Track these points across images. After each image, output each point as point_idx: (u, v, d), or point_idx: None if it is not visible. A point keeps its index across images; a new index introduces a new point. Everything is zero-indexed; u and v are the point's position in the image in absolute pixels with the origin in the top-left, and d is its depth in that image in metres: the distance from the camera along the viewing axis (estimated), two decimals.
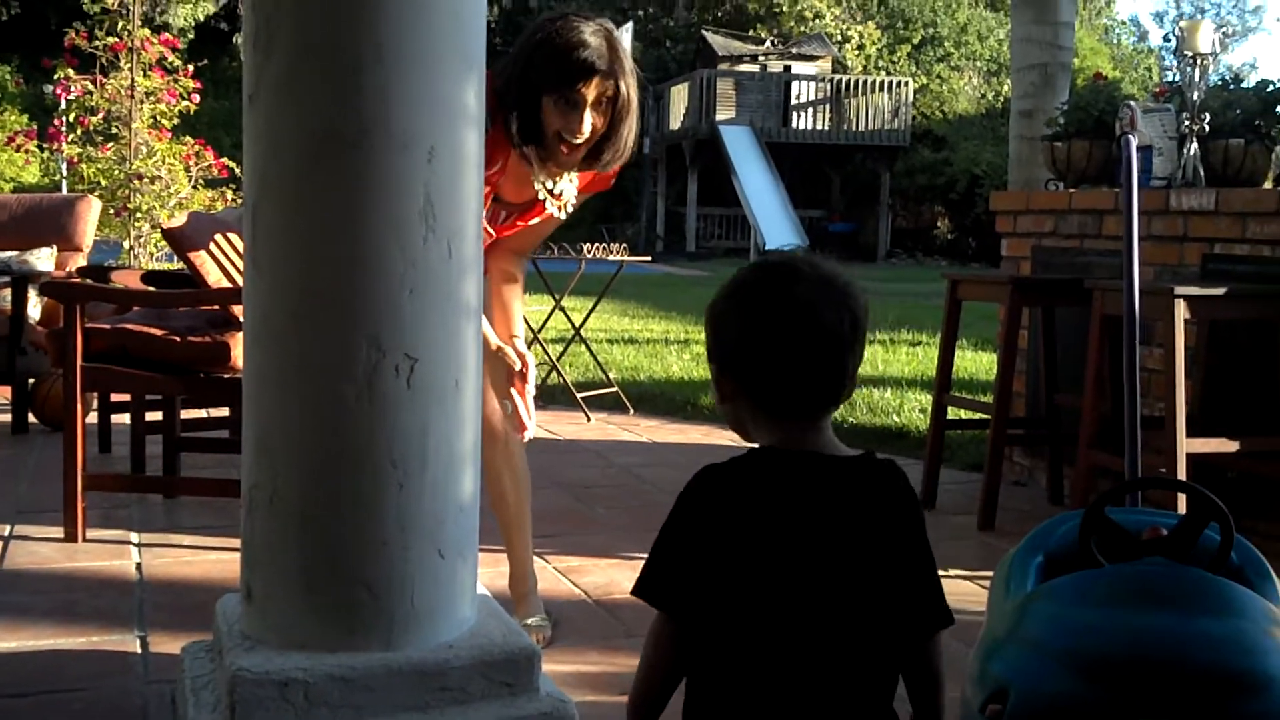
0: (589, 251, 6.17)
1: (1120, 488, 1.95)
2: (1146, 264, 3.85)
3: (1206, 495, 1.79)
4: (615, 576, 3.33)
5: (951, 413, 4.41)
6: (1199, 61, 4.06)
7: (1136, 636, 1.63)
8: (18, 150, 10.11)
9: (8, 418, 5.35)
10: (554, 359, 6.44)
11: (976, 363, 8.08)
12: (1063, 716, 1.61)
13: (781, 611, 1.39)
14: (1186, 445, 3.33)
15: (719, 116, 24.93)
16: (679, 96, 26.36)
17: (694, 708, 1.47)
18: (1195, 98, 4.07)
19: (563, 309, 6.34)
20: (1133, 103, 4.31)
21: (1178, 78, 4.33)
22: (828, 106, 26.05)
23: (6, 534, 3.56)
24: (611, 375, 6.63)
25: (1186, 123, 4.11)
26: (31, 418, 5.26)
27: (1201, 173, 4.11)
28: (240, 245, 3.72)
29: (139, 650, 2.68)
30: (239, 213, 4.99)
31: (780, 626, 1.39)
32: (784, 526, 1.39)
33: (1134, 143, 2.54)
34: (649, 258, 7.55)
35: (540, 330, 6.47)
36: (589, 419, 5.90)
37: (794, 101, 25.95)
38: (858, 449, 1.49)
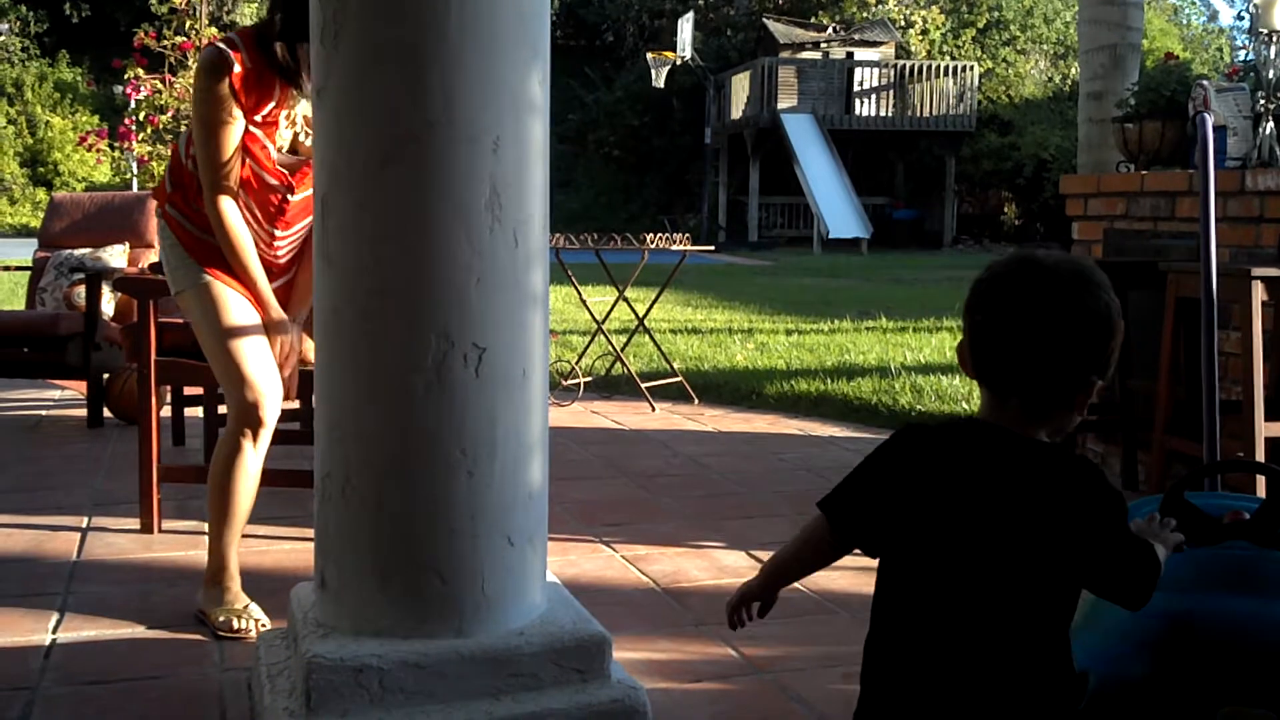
0: (652, 242, 6.17)
1: (1200, 471, 1.92)
2: (1222, 246, 3.77)
3: None
4: (683, 565, 3.32)
5: None
6: (1274, 39, 3.97)
7: (1220, 621, 1.60)
8: (90, 150, 10.29)
9: (83, 412, 5.46)
10: (618, 349, 6.45)
11: None
12: (1143, 701, 1.59)
13: (942, 562, 1.45)
14: (1265, 429, 3.27)
15: (781, 105, 24.79)
16: (740, 85, 26.24)
17: (874, 637, 1.54)
18: (1271, 76, 3.99)
19: (626, 299, 6.34)
20: (1206, 82, 4.23)
21: (1251, 56, 4.23)
22: (891, 93, 25.81)
23: (84, 525, 3.63)
24: (676, 365, 6.63)
25: (1262, 102, 4.02)
26: (106, 412, 5.36)
27: (1278, 152, 4.02)
28: None
29: (214, 639, 2.72)
30: None
31: (935, 583, 1.45)
32: (957, 485, 1.46)
33: (1209, 121, 2.49)
34: (711, 248, 7.52)
35: (604, 321, 6.48)
36: (654, 409, 5.90)
37: (857, 88, 25.74)
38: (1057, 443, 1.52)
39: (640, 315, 6.48)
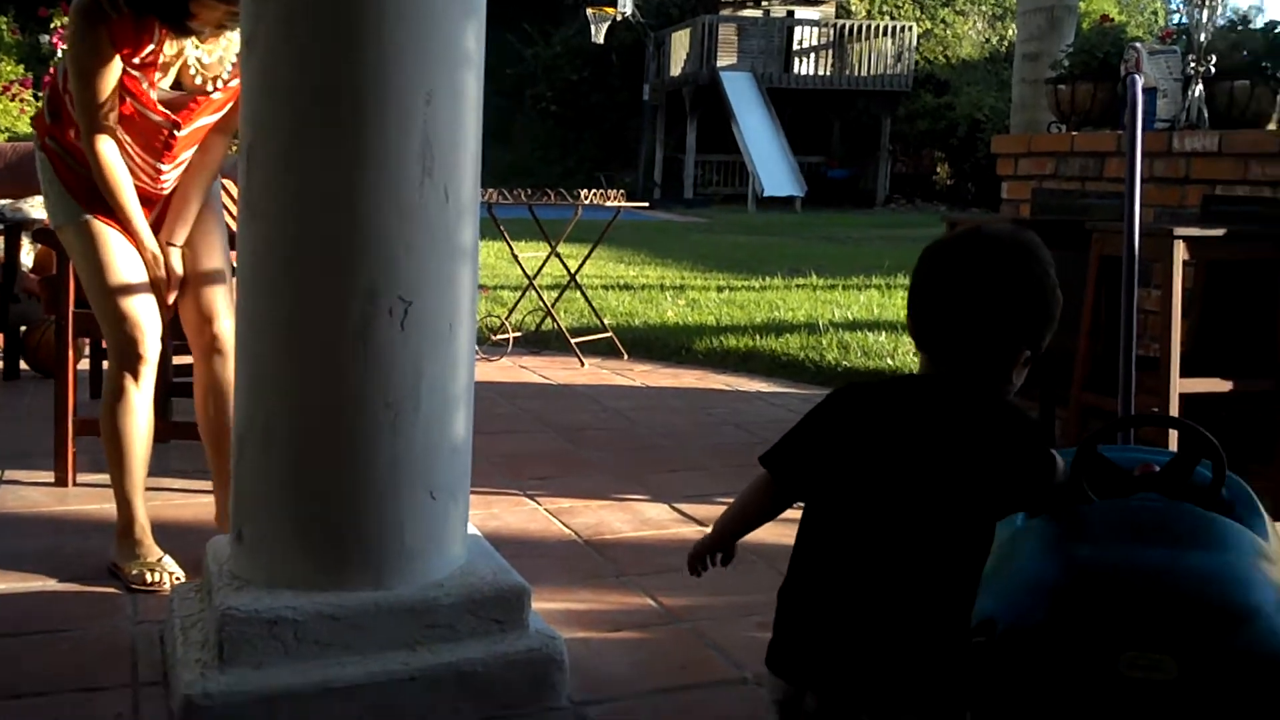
0: (585, 198, 6.13)
1: (1114, 424, 1.93)
2: (1147, 206, 3.81)
3: (1199, 431, 1.78)
4: (606, 517, 3.32)
5: None
6: (1206, 3, 4.00)
7: (1128, 571, 1.61)
8: (13, 99, 10.04)
9: (0, 365, 5.33)
10: (549, 305, 6.41)
11: None
12: (1046, 648, 1.60)
13: (874, 506, 1.49)
14: (1180, 385, 3.32)
15: (720, 63, 24.70)
16: (680, 43, 26.10)
17: (791, 582, 1.57)
18: (1202, 39, 4.02)
19: (558, 255, 6.30)
20: (1139, 44, 4.26)
21: (1184, 20, 4.26)
22: (830, 52, 25.80)
23: None
24: (606, 321, 6.61)
25: (1192, 64, 4.06)
26: (23, 365, 5.24)
27: (1206, 115, 4.06)
28: (234, 191, 3.69)
29: (127, 592, 2.68)
30: (234, 159, 4.95)
31: (871, 520, 1.49)
32: (893, 435, 1.50)
33: (1140, 82, 2.50)
34: (645, 204, 7.49)
35: (535, 276, 6.43)
36: (583, 364, 5.88)
37: (796, 47, 25.70)
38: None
39: (572, 271, 6.44)
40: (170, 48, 2.70)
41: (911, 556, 1.48)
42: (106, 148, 2.70)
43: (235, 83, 2.74)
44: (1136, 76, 2.66)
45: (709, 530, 1.72)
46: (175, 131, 2.78)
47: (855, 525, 1.50)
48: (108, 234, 2.78)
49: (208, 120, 2.83)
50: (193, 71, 2.75)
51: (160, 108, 2.74)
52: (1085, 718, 1.59)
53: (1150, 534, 1.66)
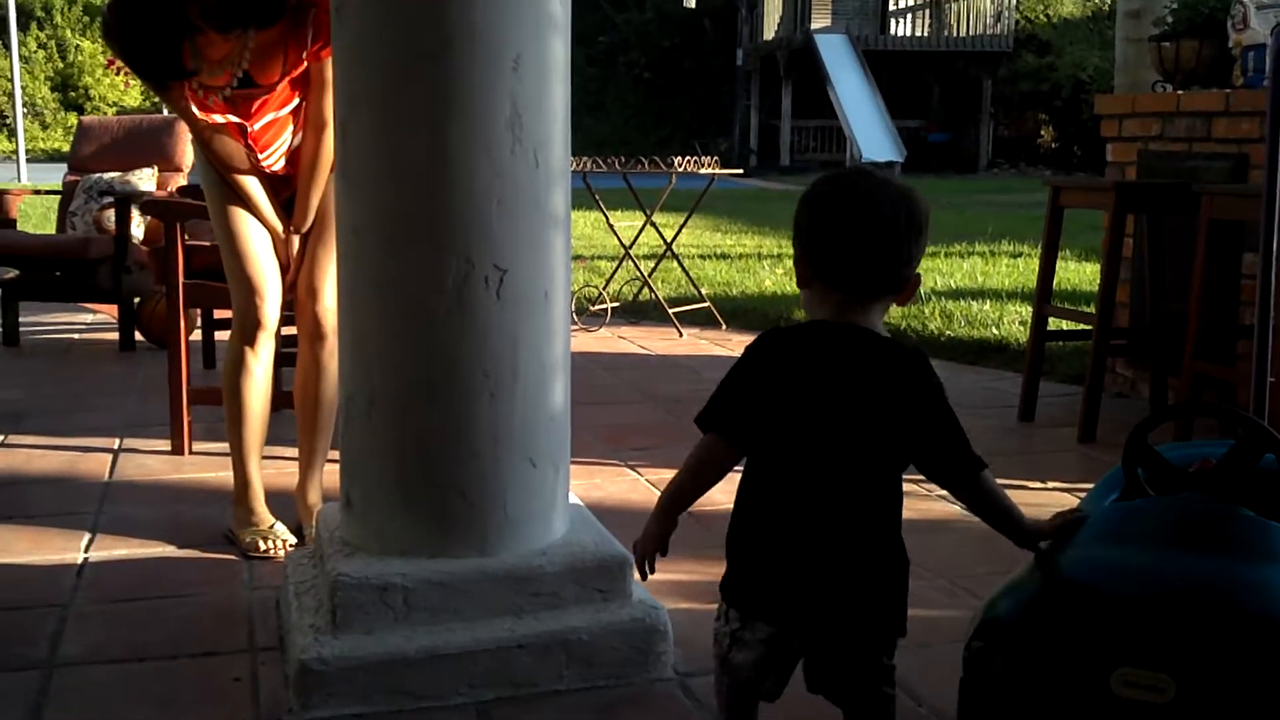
0: (679, 165, 6.12)
1: (1159, 414, 1.81)
2: (1256, 167, 3.71)
3: (1257, 424, 1.66)
4: None
5: (1053, 324, 4.31)
6: None
7: (1154, 577, 1.52)
8: (119, 74, 10.28)
9: (115, 336, 5.50)
10: (645, 275, 6.43)
11: (1080, 274, 7.89)
12: (1039, 658, 1.54)
13: (811, 448, 1.62)
14: None
15: (814, 25, 24.40)
16: (773, 5, 25.82)
17: (739, 523, 1.71)
18: None
19: (654, 224, 6.31)
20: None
21: None
22: (927, 12, 25.35)
23: (116, 447, 3.67)
24: (704, 291, 6.60)
25: None
26: (138, 335, 5.40)
27: None
28: None
29: (243, 558, 2.76)
30: None
31: (809, 461, 1.63)
32: (820, 380, 1.63)
33: None
34: (740, 170, 7.45)
35: (631, 246, 6.45)
36: (681, 334, 5.89)
37: (892, 7, 25.30)
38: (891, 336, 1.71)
39: (668, 240, 6.45)
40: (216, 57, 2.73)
41: (855, 492, 1.62)
42: (212, 156, 2.85)
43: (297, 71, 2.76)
44: None
45: (651, 519, 1.76)
46: (247, 130, 2.83)
47: (801, 463, 1.62)
48: (242, 200, 2.88)
49: (278, 114, 2.85)
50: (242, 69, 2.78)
51: (227, 114, 2.79)
52: None
53: (1185, 538, 1.55)
